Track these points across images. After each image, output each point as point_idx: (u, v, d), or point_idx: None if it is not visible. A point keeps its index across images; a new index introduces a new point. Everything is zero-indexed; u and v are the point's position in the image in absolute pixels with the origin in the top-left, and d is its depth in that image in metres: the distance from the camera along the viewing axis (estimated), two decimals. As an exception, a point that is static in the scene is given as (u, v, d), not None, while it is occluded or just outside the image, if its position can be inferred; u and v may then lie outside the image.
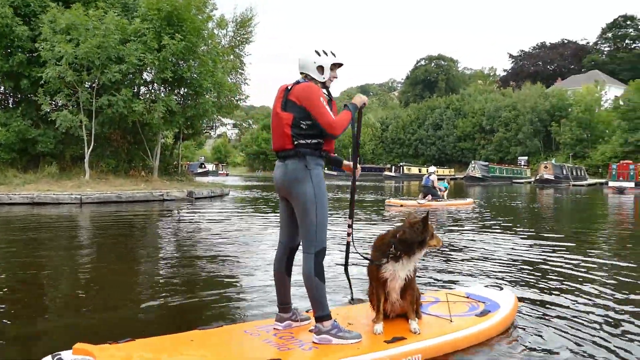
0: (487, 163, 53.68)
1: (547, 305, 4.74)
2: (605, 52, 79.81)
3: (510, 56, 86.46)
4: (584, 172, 50.08)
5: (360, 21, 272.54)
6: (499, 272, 6.24)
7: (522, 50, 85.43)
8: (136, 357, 2.97)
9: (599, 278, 5.93)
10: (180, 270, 6.20)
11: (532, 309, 4.57)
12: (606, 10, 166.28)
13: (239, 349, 3.24)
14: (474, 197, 22.07)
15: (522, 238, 9.45)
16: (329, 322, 3.32)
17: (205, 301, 4.83)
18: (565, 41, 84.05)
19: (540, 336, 3.87)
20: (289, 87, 3.42)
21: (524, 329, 4.02)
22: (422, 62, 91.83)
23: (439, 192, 17.83)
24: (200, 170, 62.75)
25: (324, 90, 3.44)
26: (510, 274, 6.12)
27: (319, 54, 3.39)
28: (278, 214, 3.77)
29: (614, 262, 7.02)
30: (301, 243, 3.42)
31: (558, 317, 4.36)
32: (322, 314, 3.32)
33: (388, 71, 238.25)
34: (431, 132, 72.39)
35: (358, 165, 3.75)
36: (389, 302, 3.64)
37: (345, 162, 3.76)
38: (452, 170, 63.66)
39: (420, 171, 60.13)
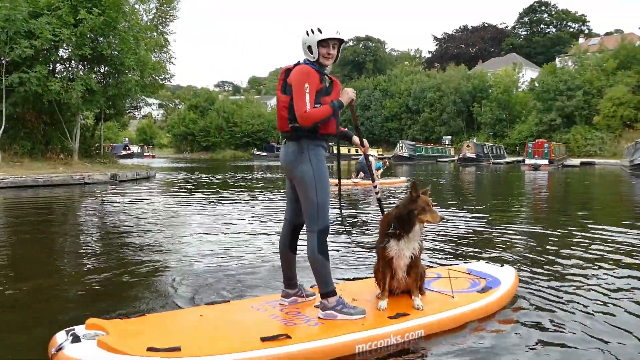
0: (413, 143, 55.31)
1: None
2: (522, 36, 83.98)
3: (435, 38, 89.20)
4: (503, 150, 52.78)
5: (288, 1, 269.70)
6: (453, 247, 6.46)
7: (446, 33, 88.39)
8: (147, 332, 3.04)
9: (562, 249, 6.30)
10: (108, 255, 5.93)
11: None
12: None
13: (247, 324, 3.28)
14: (405, 176, 22.66)
15: (454, 211, 9.80)
16: (334, 298, 3.40)
17: (137, 283, 4.68)
18: (486, 25, 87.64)
19: (535, 313, 3.92)
20: (291, 68, 3.44)
21: (524, 305, 4.08)
22: (351, 43, 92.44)
23: (373, 171, 18.29)
24: (124, 152, 60.61)
25: (323, 71, 3.42)
26: (457, 248, 6.35)
27: (307, 34, 3.36)
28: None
29: (569, 231, 7.55)
30: (305, 222, 3.46)
31: (543, 291, 4.48)
32: (327, 290, 3.40)
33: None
34: (360, 112, 73.16)
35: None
36: (395, 279, 3.70)
37: (354, 137, 3.82)
38: (380, 149, 65.00)
39: (349, 151, 60.97)
